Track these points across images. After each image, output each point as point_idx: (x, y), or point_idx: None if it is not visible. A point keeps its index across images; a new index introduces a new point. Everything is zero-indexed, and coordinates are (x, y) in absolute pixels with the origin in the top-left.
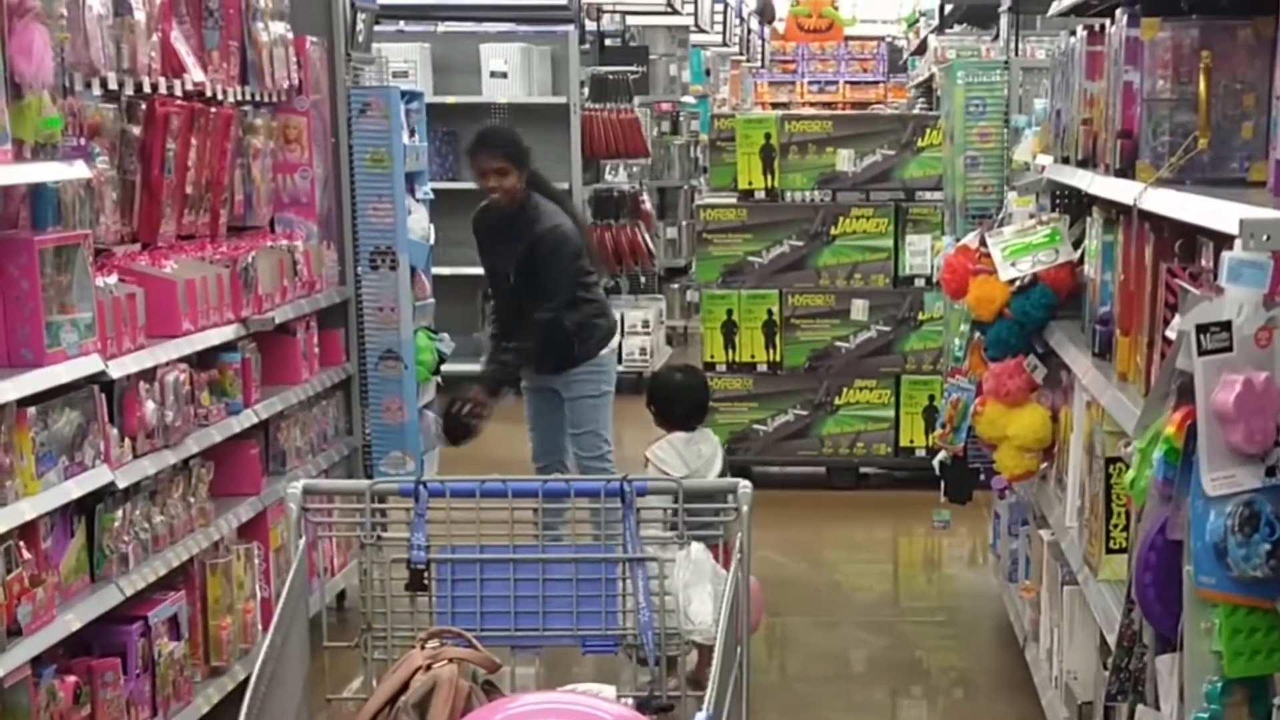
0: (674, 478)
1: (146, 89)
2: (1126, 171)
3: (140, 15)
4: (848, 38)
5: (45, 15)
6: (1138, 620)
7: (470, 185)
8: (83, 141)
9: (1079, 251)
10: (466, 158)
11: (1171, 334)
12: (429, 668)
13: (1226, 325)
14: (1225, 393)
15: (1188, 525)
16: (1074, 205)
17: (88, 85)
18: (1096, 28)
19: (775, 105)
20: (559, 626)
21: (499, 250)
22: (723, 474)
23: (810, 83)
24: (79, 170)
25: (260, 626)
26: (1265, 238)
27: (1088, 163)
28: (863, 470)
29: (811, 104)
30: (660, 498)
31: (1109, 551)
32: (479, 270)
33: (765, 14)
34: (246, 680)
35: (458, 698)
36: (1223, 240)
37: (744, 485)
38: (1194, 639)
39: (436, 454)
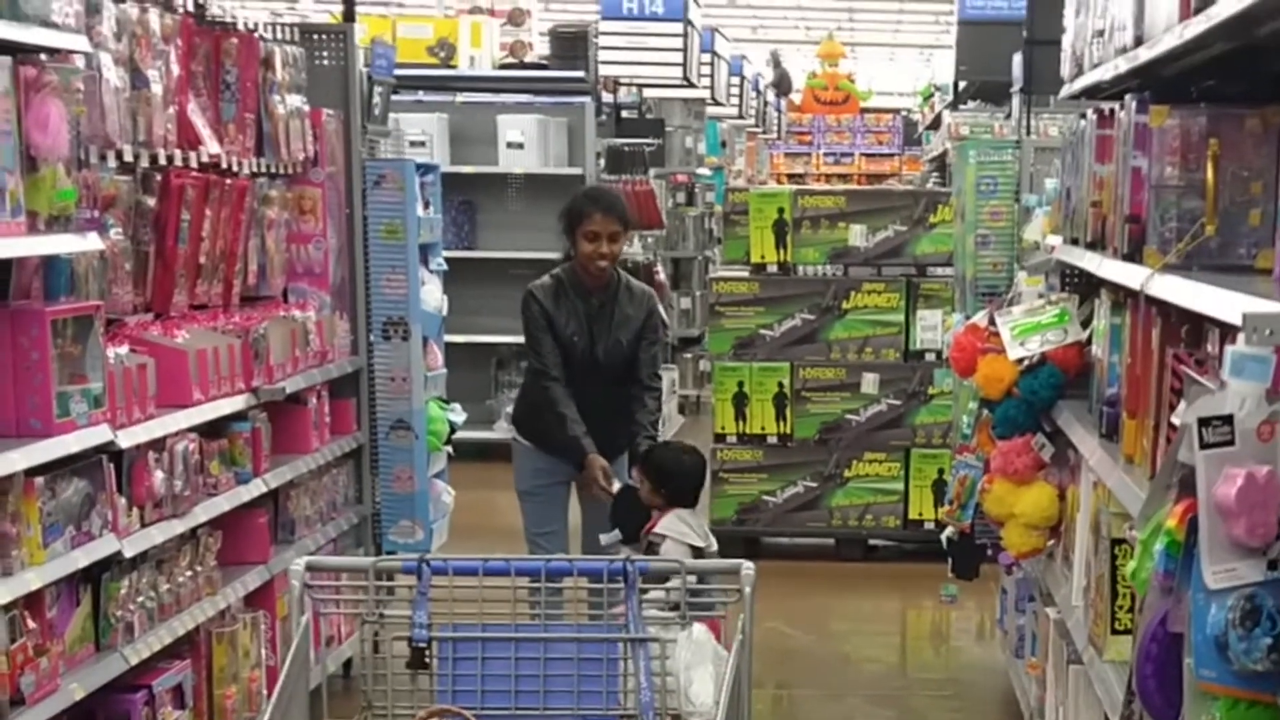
0: (678, 559)
1: (162, 161)
2: (1134, 256)
3: (157, 88)
4: (863, 110)
5: (62, 89)
6: (1138, 712)
7: (486, 254)
8: (97, 213)
9: (1087, 332)
10: (567, 218)
11: (1176, 420)
12: None
13: (1229, 419)
14: (1227, 486)
15: (1189, 618)
16: (1083, 285)
17: (103, 157)
18: (1106, 111)
19: (790, 176)
20: (560, 706)
21: (593, 325)
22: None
23: (826, 154)
24: (92, 242)
25: (265, 694)
26: (1268, 332)
27: (1096, 245)
28: (871, 542)
29: (827, 175)
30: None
31: (1114, 632)
32: (492, 338)
33: (782, 86)
34: None
35: None
36: (1228, 328)
37: (747, 566)
38: None
39: (446, 523)
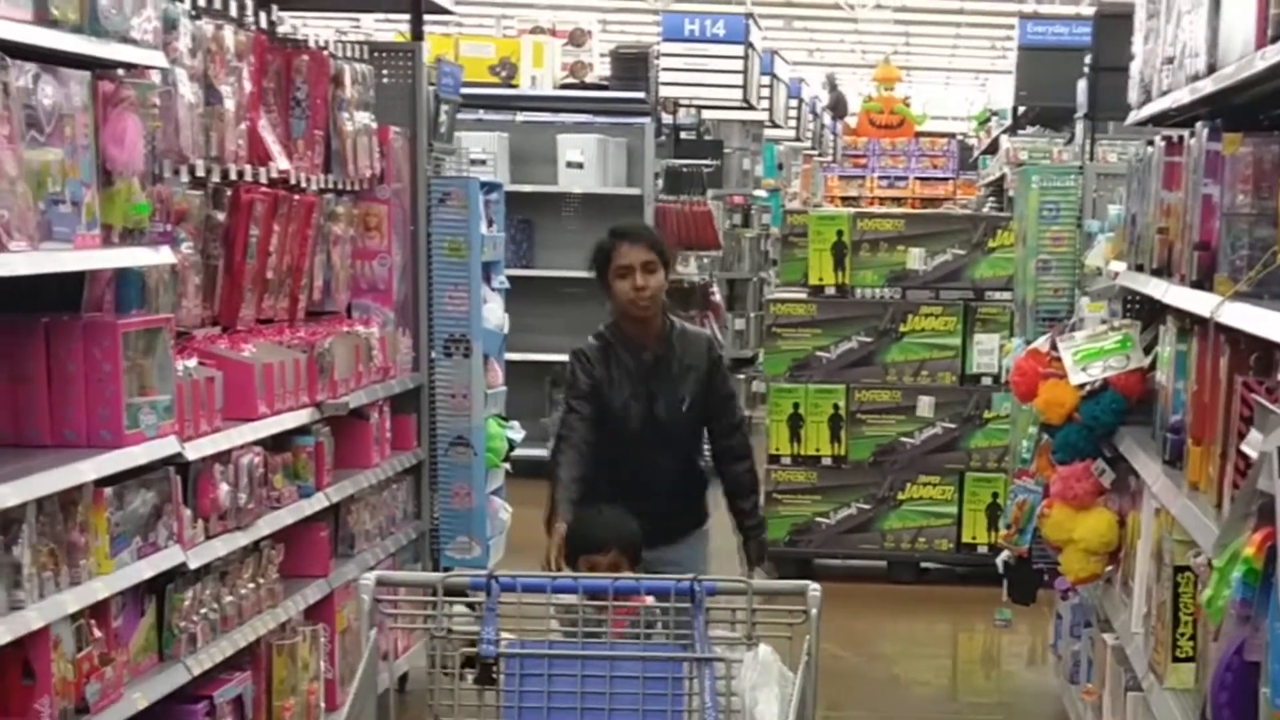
0: (744, 579)
1: (233, 176)
2: (1203, 283)
3: (230, 104)
4: (918, 134)
5: (139, 104)
6: None
7: (543, 272)
8: (169, 227)
9: (1150, 358)
10: (595, 264)
11: (1246, 449)
12: None
13: None
14: None
15: (1266, 647)
16: (1146, 311)
17: (176, 172)
18: (1175, 138)
19: (845, 199)
20: None
21: (650, 382)
22: None
23: (880, 178)
24: (164, 255)
25: (324, 707)
26: None
27: (1162, 271)
28: (924, 565)
29: (881, 199)
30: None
31: (1175, 660)
32: (548, 357)
33: (838, 109)
34: None
35: None
36: None
37: (814, 588)
38: None
39: (503, 539)
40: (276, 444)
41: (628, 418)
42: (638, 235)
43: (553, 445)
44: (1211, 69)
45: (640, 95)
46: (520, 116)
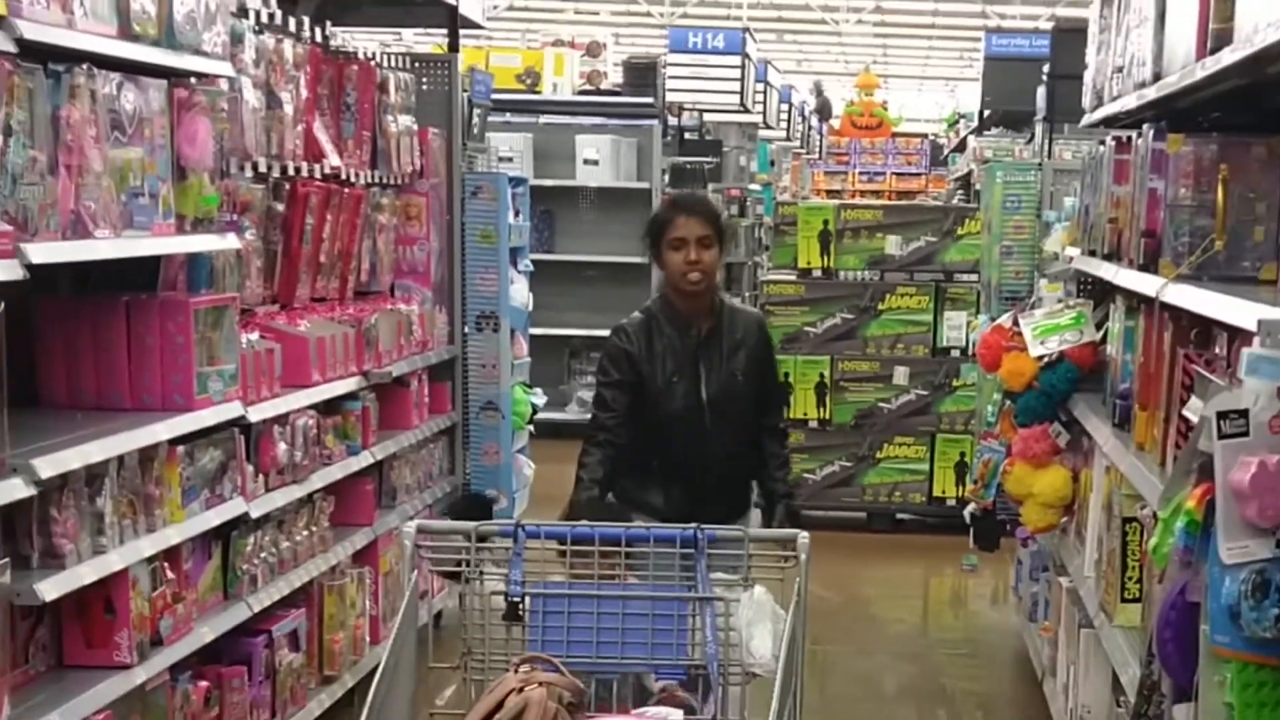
0: (741, 529)
1: (291, 172)
2: (1149, 267)
3: (288, 108)
4: (894, 134)
5: (209, 108)
6: (1157, 672)
7: (563, 257)
8: (234, 216)
9: (1101, 333)
10: (651, 233)
11: (1188, 414)
12: (521, 690)
13: (1244, 413)
14: (1242, 473)
15: (1205, 589)
16: (1098, 292)
17: (241, 168)
18: (1124, 139)
19: (829, 192)
20: (636, 656)
21: (698, 360)
22: None
23: (861, 173)
24: (230, 242)
25: (368, 640)
26: None
27: (1113, 256)
28: (899, 516)
29: (861, 192)
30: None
31: (1124, 600)
32: (567, 331)
33: (823, 113)
34: (355, 688)
35: (546, 717)
36: (1236, 332)
37: (803, 536)
38: (1208, 691)
39: (526, 492)
40: (328, 408)
41: (670, 397)
42: (697, 208)
43: (583, 443)
44: (1157, 77)
45: (649, 100)
46: (543, 119)
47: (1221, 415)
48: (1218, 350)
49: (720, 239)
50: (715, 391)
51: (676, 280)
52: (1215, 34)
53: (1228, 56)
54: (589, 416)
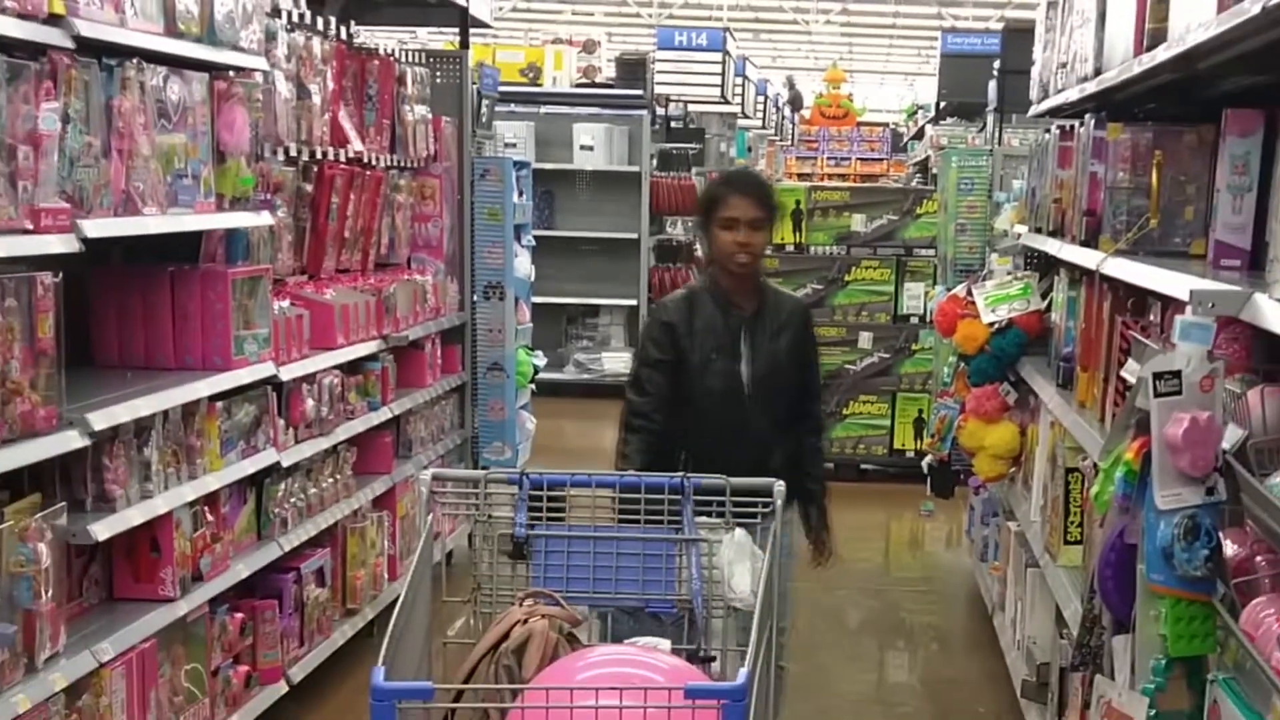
0: (720, 477)
1: (318, 156)
2: (1090, 242)
3: (316, 99)
4: (859, 123)
5: (245, 99)
6: (1098, 606)
7: (561, 233)
8: (268, 196)
9: (1046, 302)
10: (703, 209)
11: (1126, 375)
12: (526, 621)
13: (1177, 374)
14: (1175, 428)
15: (1142, 532)
16: (1043, 265)
17: (274, 152)
18: (1067, 127)
19: (800, 175)
20: (628, 591)
21: (740, 340)
22: None
23: (829, 158)
24: (265, 219)
25: (386, 577)
26: (1210, 305)
27: (1057, 233)
28: (863, 467)
29: (829, 175)
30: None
31: (1066, 543)
32: (564, 300)
33: (795, 104)
34: (374, 620)
35: (547, 646)
36: (1169, 301)
37: (778, 485)
38: (1144, 624)
39: (529, 444)
40: (351, 368)
41: (709, 374)
42: (750, 188)
43: (621, 431)
44: (1098, 72)
45: (639, 93)
46: (543, 109)
47: (1157, 376)
48: (1152, 318)
49: (771, 221)
50: (757, 372)
51: (724, 260)
52: (1150, 33)
53: (1162, 54)
54: (626, 399)
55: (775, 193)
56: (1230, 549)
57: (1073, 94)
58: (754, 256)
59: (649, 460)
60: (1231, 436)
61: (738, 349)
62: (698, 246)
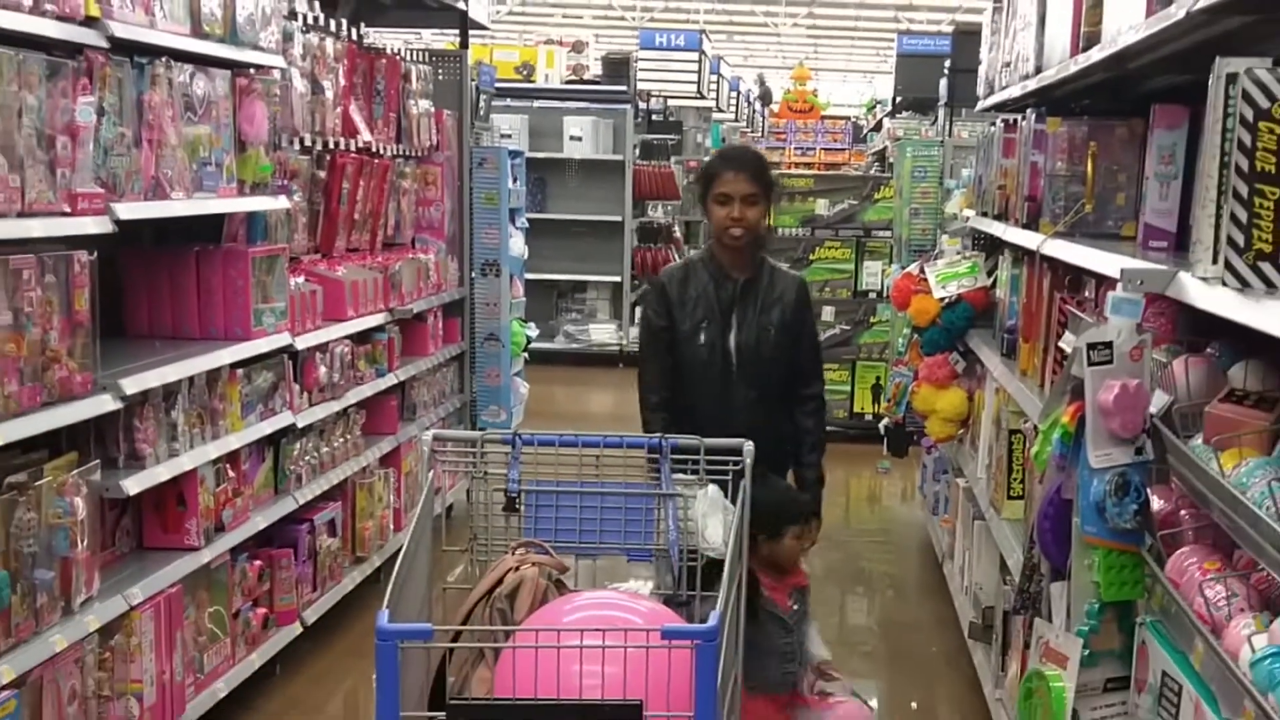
0: (695, 438)
1: (330, 145)
2: (1031, 225)
3: (329, 94)
4: (823, 117)
5: (264, 94)
6: (1037, 556)
7: (553, 216)
8: (285, 182)
9: (992, 279)
10: (701, 184)
11: (1063, 345)
12: (518, 568)
13: (1109, 345)
14: (1107, 393)
15: (1077, 489)
16: (989, 245)
17: (290, 142)
18: (1011, 121)
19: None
20: (611, 540)
21: (731, 310)
22: None
23: (796, 148)
24: (281, 203)
25: (392, 528)
26: (1139, 282)
27: (1002, 216)
28: (827, 428)
29: (796, 164)
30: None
31: (1009, 498)
32: (555, 276)
33: (765, 99)
34: (381, 567)
35: (537, 591)
36: (1102, 279)
37: (748, 445)
38: (1079, 572)
39: (522, 408)
40: (360, 338)
41: (695, 342)
42: (744, 164)
43: (642, 412)
44: (1038, 71)
45: (623, 88)
46: (536, 104)
47: (1090, 346)
48: (1087, 293)
49: (767, 196)
50: (743, 342)
51: (719, 233)
52: (1086, 36)
53: (1096, 54)
54: (639, 377)
55: (770, 169)
56: (1157, 504)
57: (1015, 91)
58: (747, 230)
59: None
60: (1158, 402)
61: (727, 319)
62: (675, 228)
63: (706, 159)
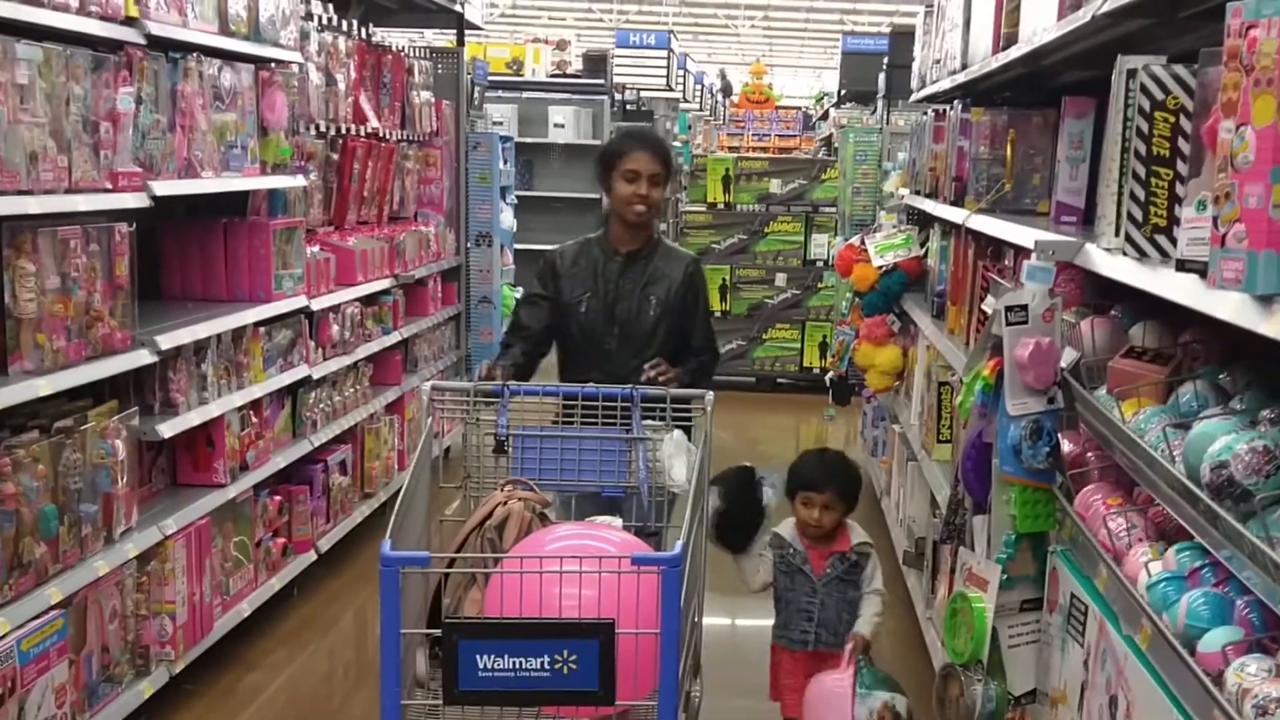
0: (665, 390)
1: (343, 131)
2: (958, 202)
3: (341, 85)
4: (777, 107)
5: (284, 85)
6: (962, 493)
7: (539, 193)
8: (302, 163)
9: (924, 250)
10: (604, 161)
11: (985, 307)
12: (506, 503)
13: (1024, 307)
14: (1022, 350)
15: (996, 433)
16: (921, 220)
17: (307, 128)
18: (940, 111)
19: (730, 148)
20: (588, 479)
21: (618, 282)
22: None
23: (753, 135)
24: (299, 181)
25: (396, 467)
26: (1051, 252)
27: (932, 195)
28: (778, 380)
29: (753, 148)
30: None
31: (938, 441)
32: (540, 246)
33: (726, 91)
34: (386, 502)
35: (523, 524)
36: (1019, 249)
37: (709, 395)
38: (998, 506)
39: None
40: (369, 300)
41: (577, 311)
42: (653, 145)
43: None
44: (964, 67)
45: (601, 82)
46: (524, 95)
47: (1008, 309)
48: (1006, 262)
49: (670, 177)
50: (624, 313)
51: (621, 209)
52: (1005, 36)
53: (1014, 52)
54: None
55: (672, 150)
56: (1067, 446)
57: (945, 84)
58: (650, 208)
59: (519, 364)
60: (1068, 357)
61: (611, 291)
62: None
63: (611, 138)
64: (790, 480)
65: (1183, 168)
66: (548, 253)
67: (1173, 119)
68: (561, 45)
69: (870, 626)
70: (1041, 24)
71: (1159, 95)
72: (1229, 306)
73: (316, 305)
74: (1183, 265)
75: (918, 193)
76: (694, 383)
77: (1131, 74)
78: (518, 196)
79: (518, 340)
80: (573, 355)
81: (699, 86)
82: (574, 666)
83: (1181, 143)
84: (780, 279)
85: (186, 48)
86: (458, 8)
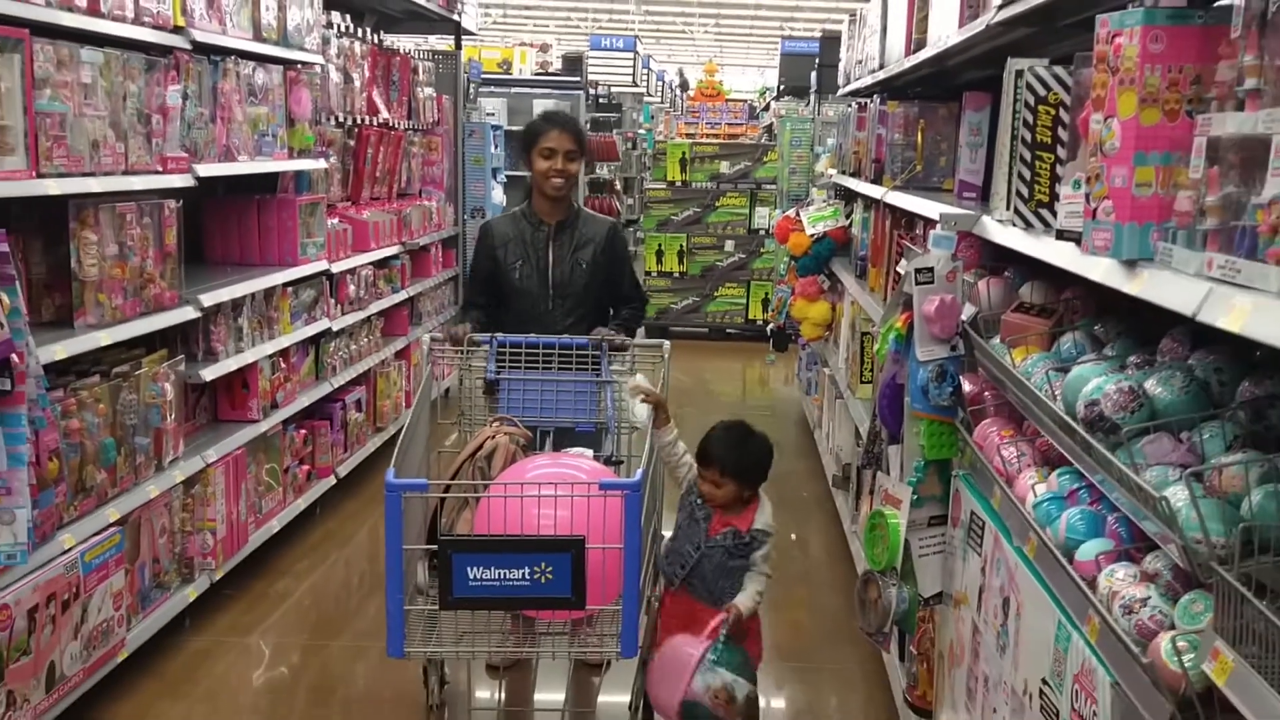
0: (626, 339)
1: (358, 121)
2: (877, 181)
3: (357, 83)
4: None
5: (308, 83)
6: (879, 426)
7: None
8: (324, 149)
9: (849, 221)
10: (524, 140)
11: (899, 269)
12: (494, 437)
13: (930, 269)
14: (929, 305)
15: (908, 376)
16: (847, 196)
17: (328, 119)
18: (862, 104)
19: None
20: (565, 416)
21: (549, 250)
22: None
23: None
24: (321, 164)
25: (403, 405)
26: (954, 223)
27: (856, 174)
28: (728, 331)
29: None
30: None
31: (861, 382)
32: None
33: (683, 86)
34: (394, 435)
35: (508, 455)
36: (928, 220)
37: (666, 344)
38: (910, 437)
39: None
40: (380, 264)
41: (515, 277)
42: (567, 125)
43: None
44: (882, 66)
45: (577, 79)
46: (513, 90)
47: (917, 270)
48: (918, 231)
49: (583, 153)
50: (558, 276)
51: (541, 184)
52: (916, 41)
53: (923, 54)
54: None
55: (585, 130)
56: (967, 387)
57: (866, 81)
58: (567, 181)
59: (481, 320)
60: (967, 312)
61: (544, 258)
62: (616, 183)
63: (530, 120)
64: (697, 451)
65: (1062, 153)
66: (482, 226)
67: (1053, 112)
68: (544, 48)
69: (750, 602)
70: (946, 31)
71: (1042, 92)
72: (1100, 269)
73: (336, 268)
74: (1062, 235)
75: (844, 172)
76: (629, 328)
77: (1019, 74)
78: (507, 176)
79: (478, 302)
80: (512, 315)
81: (660, 82)
82: (550, 576)
83: (1061, 132)
84: (729, 245)
85: (225, 52)
86: (456, 17)
